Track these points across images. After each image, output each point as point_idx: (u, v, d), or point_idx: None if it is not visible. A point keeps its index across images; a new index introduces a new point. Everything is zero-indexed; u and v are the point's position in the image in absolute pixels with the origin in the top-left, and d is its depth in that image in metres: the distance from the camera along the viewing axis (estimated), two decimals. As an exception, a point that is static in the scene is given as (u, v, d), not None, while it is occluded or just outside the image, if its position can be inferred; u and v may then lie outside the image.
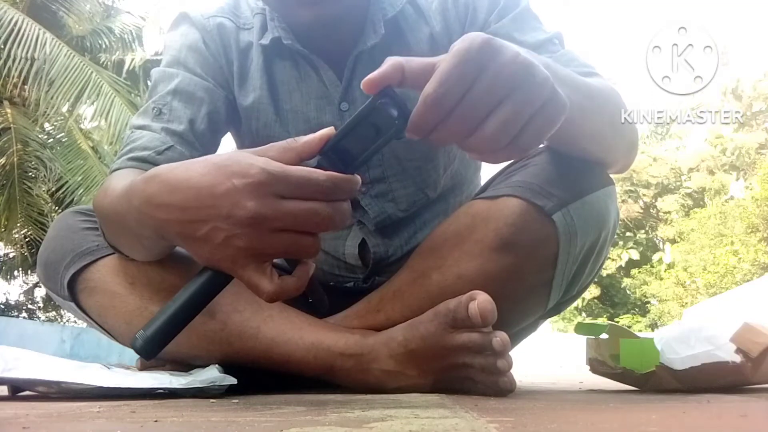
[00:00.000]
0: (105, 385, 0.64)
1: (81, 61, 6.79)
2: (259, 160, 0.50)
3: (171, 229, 0.54)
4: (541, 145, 0.77)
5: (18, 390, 0.70)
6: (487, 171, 0.91)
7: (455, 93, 0.49)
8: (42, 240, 0.83)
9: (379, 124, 0.51)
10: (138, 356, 0.82)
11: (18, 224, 7.65)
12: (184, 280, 0.56)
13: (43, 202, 8.01)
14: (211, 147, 0.86)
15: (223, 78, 0.88)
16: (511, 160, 0.74)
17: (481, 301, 0.64)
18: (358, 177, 0.52)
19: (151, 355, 0.55)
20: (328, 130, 0.52)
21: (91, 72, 6.78)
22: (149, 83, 0.92)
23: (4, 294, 13.16)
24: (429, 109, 0.49)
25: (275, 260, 0.53)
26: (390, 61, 0.50)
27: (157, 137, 0.79)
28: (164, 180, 0.54)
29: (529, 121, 0.50)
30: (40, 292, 11.95)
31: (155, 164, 0.75)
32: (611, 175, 0.77)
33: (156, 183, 0.55)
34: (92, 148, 7.98)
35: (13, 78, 6.80)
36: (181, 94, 0.83)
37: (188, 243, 0.54)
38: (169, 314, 0.54)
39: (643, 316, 16.86)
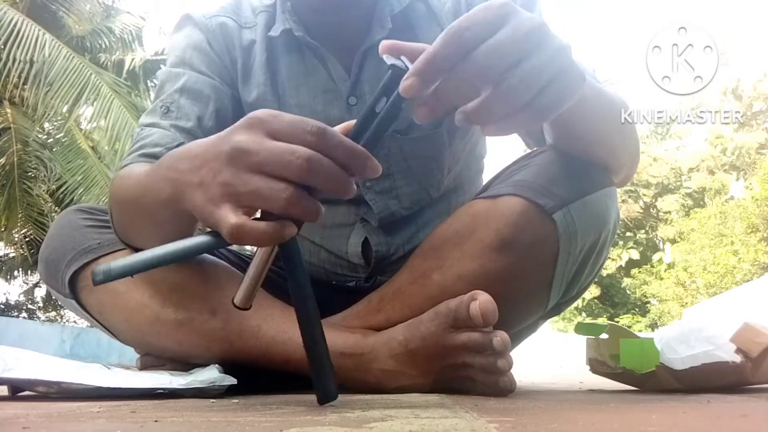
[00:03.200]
0: (105, 385, 0.65)
1: (80, 63, 6.78)
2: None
3: (184, 179, 0.52)
4: (546, 144, 0.77)
5: (18, 390, 0.70)
6: (489, 173, 0.91)
7: (480, 32, 0.46)
8: (42, 240, 0.83)
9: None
10: (138, 356, 0.82)
11: (18, 224, 7.65)
12: (185, 279, 0.56)
13: (43, 202, 8.01)
14: None
15: (228, 76, 0.88)
16: (523, 143, 0.73)
17: (482, 300, 0.64)
18: (353, 144, 0.48)
19: (106, 279, 0.50)
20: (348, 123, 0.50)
21: (90, 74, 6.77)
22: (150, 83, 0.93)
23: (4, 294, 13.20)
24: (449, 42, 0.47)
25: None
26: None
27: (168, 134, 0.80)
28: (190, 145, 0.54)
29: (546, 85, 0.48)
30: (40, 292, 11.95)
31: None
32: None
33: (182, 148, 0.55)
34: (92, 148, 7.98)
35: (12, 78, 6.80)
36: (189, 92, 0.84)
37: (192, 192, 0.51)
38: (144, 258, 0.50)
39: (643, 316, 16.85)
